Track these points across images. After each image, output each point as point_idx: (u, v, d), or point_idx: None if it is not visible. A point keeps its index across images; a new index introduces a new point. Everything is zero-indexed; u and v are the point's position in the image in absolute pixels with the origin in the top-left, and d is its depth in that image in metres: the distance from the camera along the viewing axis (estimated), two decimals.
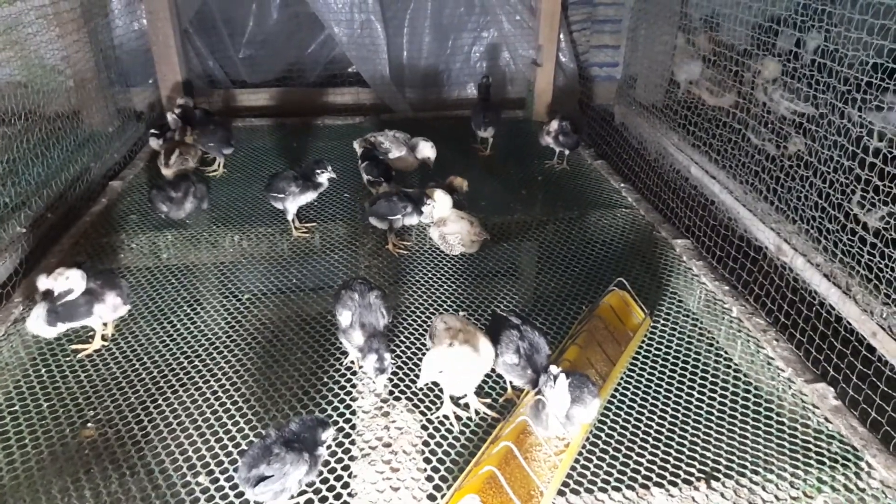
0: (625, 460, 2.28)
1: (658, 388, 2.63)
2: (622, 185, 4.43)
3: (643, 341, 2.89)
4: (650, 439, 2.38)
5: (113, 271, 2.85)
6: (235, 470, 2.12)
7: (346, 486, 2.16)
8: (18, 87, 3.84)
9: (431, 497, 2.11)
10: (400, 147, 4.26)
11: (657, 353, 2.84)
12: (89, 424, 2.42)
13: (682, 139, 4.38)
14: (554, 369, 2.14)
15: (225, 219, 3.90)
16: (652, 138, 4.78)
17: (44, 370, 2.69)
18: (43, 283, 2.64)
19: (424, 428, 2.41)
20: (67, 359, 2.75)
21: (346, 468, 2.23)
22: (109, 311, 2.78)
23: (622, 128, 5.31)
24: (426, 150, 4.24)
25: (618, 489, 2.16)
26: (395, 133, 4.38)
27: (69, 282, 2.66)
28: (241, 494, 2.13)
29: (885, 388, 2.45)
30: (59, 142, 4.07)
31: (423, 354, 2.80)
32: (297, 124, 5.53)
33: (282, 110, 5.78)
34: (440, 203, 3.52)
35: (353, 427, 2.41)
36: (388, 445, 2.32)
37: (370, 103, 5.90)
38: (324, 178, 3.60)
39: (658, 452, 2.32)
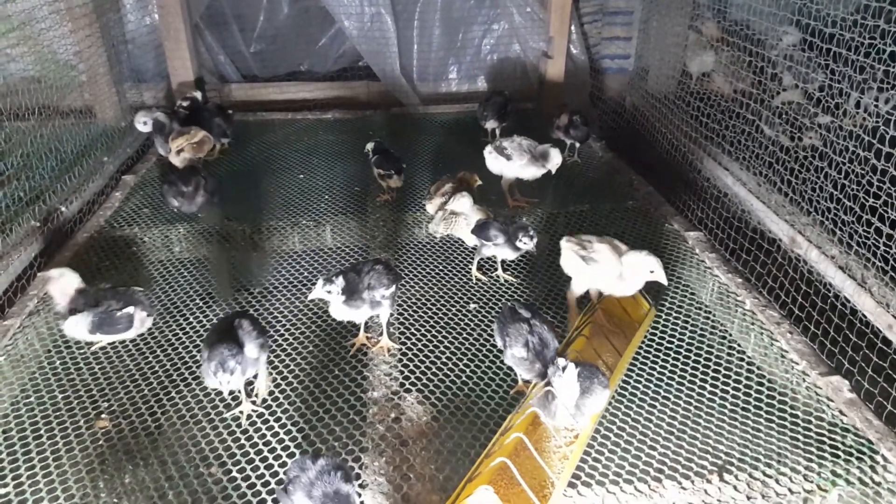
0: (637, 453, 2.27)
1: (670, 381, 2.62)
2: (634, 177, 4.40)
3: (652, 333, 2.88)
4: (662, 432, 2.37)
5: (131, 289, 2.87)
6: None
7: (357, 477, 2.16)
8: (32, 82, 3.87)
9: (443, 488, 2.12)
10: (522, 155, 3.89)
11: (669, 345, 2.83)
12: (103, 416, 2.45)
13: (694, 131, 4.34)
14: (563, 360, 2.13)
15: (236, 212, 3.91)
16: (664, 130, 4.74)
17: (58, 362, 2.72)
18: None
19: (435, 419, 2.41)
20: (82, 351, 2.78)
21: (356, 459, 2.24)
22: (137, 325, 2.80)
23: (634, 120, 5.27)
24: (556, 158, 3.85)
25: (629, 482, 2.15)
26: (521, 140, 3.98)
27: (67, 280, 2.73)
28: (252, 486, 2.15)
29: None
30: (73, 136, 4.10)
31: (433, 347, 2.81)
32: (307, 118, 5.54)
33: (292, 104, 5.79)
34: (461, 204, 3.50)
35: (363, 419, 2.41)
36: (398, 437, 2.33)
37: (380, 97, 5.89)
38: (523, 244, 3.15)
39: (670, 445, 2.31)
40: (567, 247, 2.92)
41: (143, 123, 4.58)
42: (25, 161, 3.59)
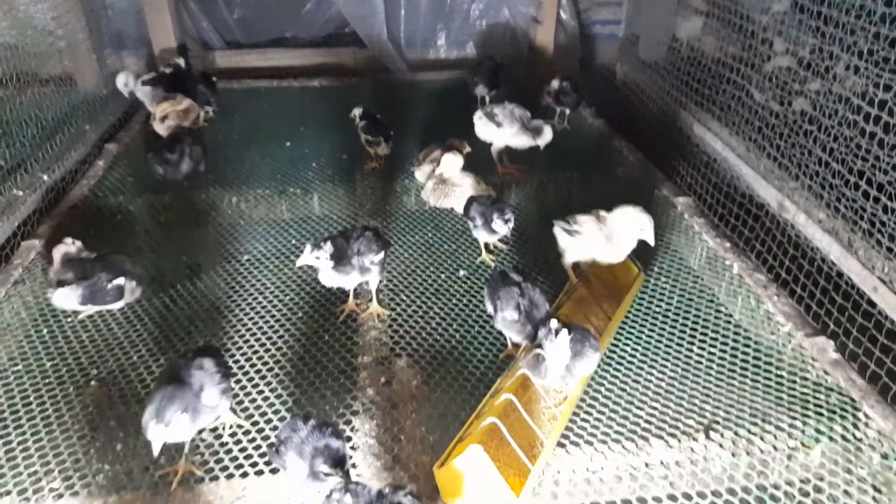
0: (625, 413, 2.30)
1: (658, 344, 2.64)
2: (623, 144, 4.39)
3: (641, 297, 2.90)
4: (650, 393, 2.40)
5: (120, 258, 2.84)
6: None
7: (347, 439, 2.18)
8: (8, 48, 3.77)
9: (433, 449, 2.14)
10: (513, 123, 3.80)
11: (657, 309, 2.85)
12: (93, 383, 2.44)
13: (684, 97, 4.32)
14: (555, 323, 2.14)
15: (222, 181, 3.87)
16: (654, 96, 4.71)
17: (45, 331, 2.70)
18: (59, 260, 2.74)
19: (425, 383, 2.43)
20: (69, 319, 2.76)
21: (347, 422, 2.25)
22: (128, 296, 2.77)
23: (624, 86, 5.23)
24: (547, 135, 3.83)
25: (617, 441, 2.19)
26: (513, 107, 3.87)
27: (70, 247, 2.77)
28: (244, 449, 2.16)
29: (885, 342, 2.46)
30: (53, 104, 4.02)
31: (423, 313, 2.82)
32: (293, 85, 5.45)
33: (277, 71, 5.69)
34: (450, 164, 3.47)
35: (354, 383, 2.42)
36: (389, 400, 2.34)
37: (367, 63, 5.80)
38: (498, 227, 2.99)
39: (657, 406, 2.34)
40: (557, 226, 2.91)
41: (123, 84, 4.49)
42: (5, 129, 3.52)
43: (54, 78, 4.29)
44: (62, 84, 4.32)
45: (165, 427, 1.87)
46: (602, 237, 2.75)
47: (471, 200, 3.17)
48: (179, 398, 1.92)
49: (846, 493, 2.04)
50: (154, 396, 1.93)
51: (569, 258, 2.91)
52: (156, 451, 1.90)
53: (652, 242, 2.70)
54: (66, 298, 2.66)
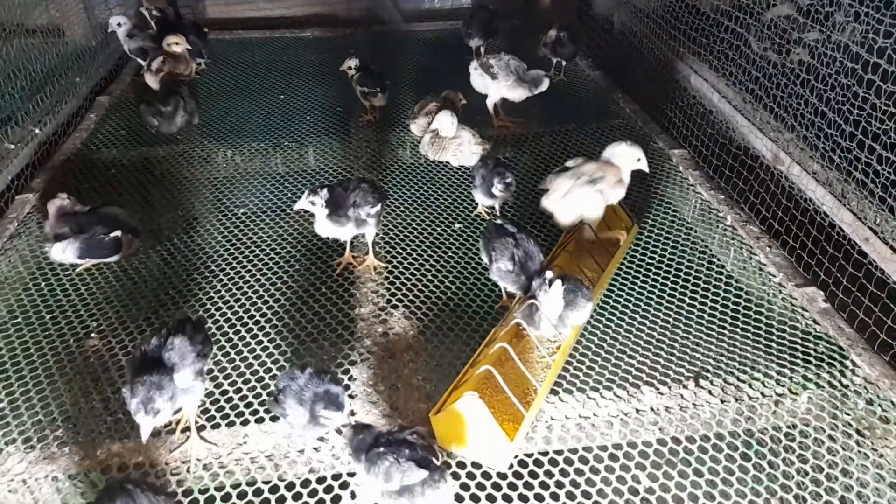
0: (616, 362, 2.35)
1: (650, 295, 2.68)
2: (620, 95, 4.34)
3: (634, 249, 2.92)
4: (642, 342, 2.44)
5: (115, 210, 2.85)
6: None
7: (346, 388, 2.22)
8: None
9: (429, 397, 2.19)
10: (509, 76, 3.77)
11: (650, 261, 2.87)
12: (93, 335, 2.47)
13: (681, 47, 4.25)
14: (549, 273, 2.17)
15: (216, 134, 3.84)
16: (652, 47, 4.64)
17: (44, 284, 2.72)
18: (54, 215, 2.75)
19: (422, 333, 2.47)
20: (67, 273, 2.77)
21: (345, 372, 2.30)
22: (125, 248, 2.79)
23: (621, 37, 5.14)
24: (544, 84, 3.86)
25: (609, 388, 2.24)
26: (509, 58, 3.82)
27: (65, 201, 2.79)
28: (244, 398, 2.20)
29: (875, 291, 2.50)
30: (42, 55, 3.94)
31: (419, 266, 2.84)
32: (285, 36, 5.35)
33: (269, 22, 5.57)
34: (445, 124, 3.44)
35: (351, 334, 2.46)
36: (386, 350, 2.38)
37: (361, 14, 5.68)
38: (498, 191, 2.98)
39: (649, 354, 2.38)
40: (573, 190, 2.81)
41: (117, 24, 4.40)
42: None
43: (41, 28, 4.19)
44: (49, 35, 4.22)
45: (154, 417, 1.83)
46: (616, 180, 2.83)
47: (477, 163, 3.15)
48: (166, 387, 1.84)
49: (831, 437, 2.10)
50: (140, 384, 1.81)
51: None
52: (145, 436, 1.85)
53: (647, 170, 2.86)
54: (64, 252, 2.68)
